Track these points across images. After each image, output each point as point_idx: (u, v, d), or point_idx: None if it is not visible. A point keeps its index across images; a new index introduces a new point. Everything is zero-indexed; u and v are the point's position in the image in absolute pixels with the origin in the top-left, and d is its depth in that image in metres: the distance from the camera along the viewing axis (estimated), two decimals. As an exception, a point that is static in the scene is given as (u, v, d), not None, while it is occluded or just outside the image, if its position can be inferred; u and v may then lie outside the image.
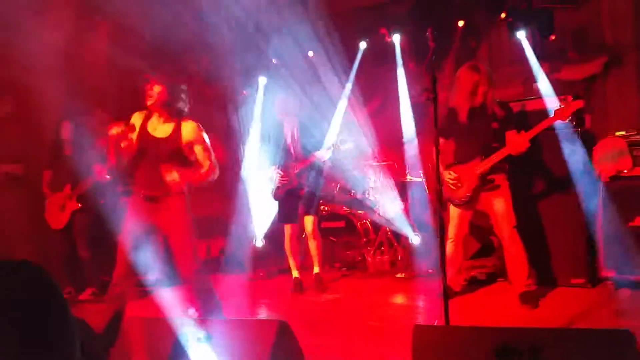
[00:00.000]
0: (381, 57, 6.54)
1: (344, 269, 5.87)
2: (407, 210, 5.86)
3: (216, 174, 3.50)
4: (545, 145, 4.32)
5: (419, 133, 6.03)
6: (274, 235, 5.95)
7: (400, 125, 6.18)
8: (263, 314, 4.32)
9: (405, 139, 6.08)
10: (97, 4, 5.58)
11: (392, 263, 5.62)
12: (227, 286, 4.94)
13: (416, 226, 5.70)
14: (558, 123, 3.88)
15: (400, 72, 6.28)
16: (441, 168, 4.04)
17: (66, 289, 5.10)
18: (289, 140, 4.91)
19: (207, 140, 3.49)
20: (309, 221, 4.93)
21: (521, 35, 5.39)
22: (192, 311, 3.64)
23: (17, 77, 5.09)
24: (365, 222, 5.97)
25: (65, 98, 5.53)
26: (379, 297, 4.66)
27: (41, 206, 5.15)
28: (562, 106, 3.71)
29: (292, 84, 5.80)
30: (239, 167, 6.69)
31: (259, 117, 6.88)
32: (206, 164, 3.45)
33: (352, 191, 6.03)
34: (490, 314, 3.87)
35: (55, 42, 5.31)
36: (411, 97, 6.20)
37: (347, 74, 6.44)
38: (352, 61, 6.48)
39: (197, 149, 3.44)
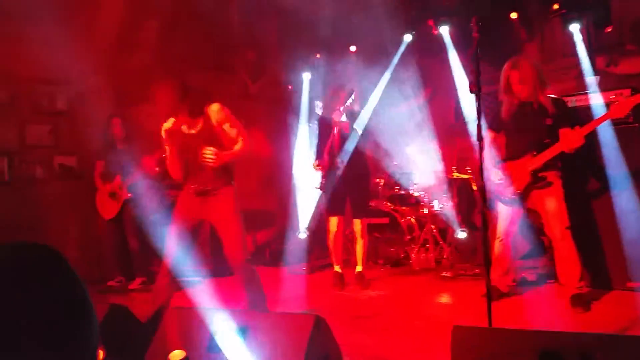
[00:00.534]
0: (429, 49, 6.45)
1: (387, 265, 5.80)
2: (454, 208, 5.74)
3: (249, 148, 3.51)
4: (602, 141, 4.10)
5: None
6: (318, 230, 5.95)
7: (450, 117, 6.09)
8: (303, 308, 4.32)
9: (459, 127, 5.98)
10: (145, 3, 5.73)
11: (437, 261, 5.51)
12: (270, 279, 4.97)
13: (464, 224, 5.57)
14: (615, 119, 3.68)
15: (454, 62, 6.16)
16: (491, 164, 3.93)
17: (117, 278, 5.28)
18: (334, 132, 4.85)
19: (232, 116, 3.51)
20: (357, 223, 4.90)
21: (574, 27, 5.15)
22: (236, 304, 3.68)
23: (70, 74, 5.30)
24: (409, 219, 5.88)
25: (114, 93, 5.72)
26: (422, 296, 4.58)
27: (93, 197, 5.34)
28: (619, 101, 3.52)
29: (335, 78, 5.77)
30: (289, 162, 6.73)
31: (305, 111, 6.90)
32: (239, 140, 3.48)
33: (397, 187, 5.94)
34: (537, 317, 3.72)
35: (105, 39, 5.49)
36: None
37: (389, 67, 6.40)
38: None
39: (226, 126, 3.47)
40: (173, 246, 3.48)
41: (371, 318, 3.93)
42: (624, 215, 4.06)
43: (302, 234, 6.12)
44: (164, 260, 3.49)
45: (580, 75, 5.32)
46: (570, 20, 5.36)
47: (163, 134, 3.50)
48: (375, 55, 6.39)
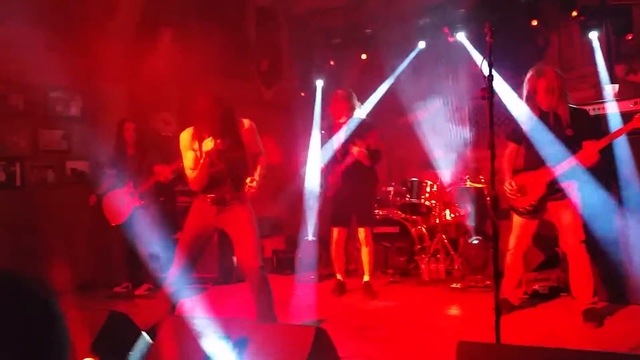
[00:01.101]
0: (442, 56, 6.38)
1: (396, 275, 5.70)
2: (466, 218, 5.64)
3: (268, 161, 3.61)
4: (617, 152, 3.97)
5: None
6: (326, 239, 5.89)
7: (463, 125, 6.01)
8: (309, 317, 4.26)
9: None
10: (161, 10, 5.76)
11: (447, 272, 5.40)
12: (278, 286, 4.91)
13: (475, 235, 5.46)
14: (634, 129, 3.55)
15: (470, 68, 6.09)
16: (506, 175, 3.83)
17: (123, 284, 5.27)
18: (341, 140, 4.81)
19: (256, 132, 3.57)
20: (362, 231, 4.86)
21: (593, 35, 5.03)
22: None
23: (84, 79, 5.35)
24: (420, 228, 5.78)
25: (128, 99, 5.76)
26: (430, 307, 4.48)
27: (100, 202, 5.33)
28: (640, 112, 3.40)
29: (347, 85, 5.74)
30: (299, 170, 6.70)
31: (318, 118, 6.88)
32: (261, 155, 3.55)
33: (407, 196, 5.85)
34: (548, 332, 3.60)
35: (120, 46, 5.52)
36: (472, 98, 5.98)
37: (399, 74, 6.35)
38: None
39: (253, 142, 3.52)
40: (183, 253, 3.46)
41: (376, 329, 3.85)
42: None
43: (311, 237, 6.08)
44: (172, 267, 3.47)
45: (598, 83, 5.19)
46: (589, 28, 5.25)
47: (185, 144, 3.46)
48: (388, 62, 6.34)
